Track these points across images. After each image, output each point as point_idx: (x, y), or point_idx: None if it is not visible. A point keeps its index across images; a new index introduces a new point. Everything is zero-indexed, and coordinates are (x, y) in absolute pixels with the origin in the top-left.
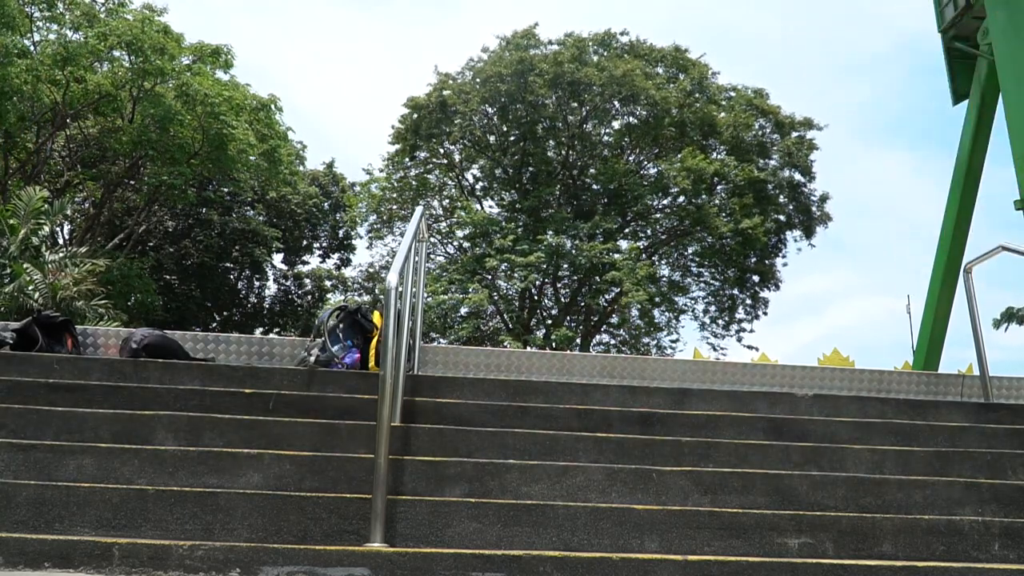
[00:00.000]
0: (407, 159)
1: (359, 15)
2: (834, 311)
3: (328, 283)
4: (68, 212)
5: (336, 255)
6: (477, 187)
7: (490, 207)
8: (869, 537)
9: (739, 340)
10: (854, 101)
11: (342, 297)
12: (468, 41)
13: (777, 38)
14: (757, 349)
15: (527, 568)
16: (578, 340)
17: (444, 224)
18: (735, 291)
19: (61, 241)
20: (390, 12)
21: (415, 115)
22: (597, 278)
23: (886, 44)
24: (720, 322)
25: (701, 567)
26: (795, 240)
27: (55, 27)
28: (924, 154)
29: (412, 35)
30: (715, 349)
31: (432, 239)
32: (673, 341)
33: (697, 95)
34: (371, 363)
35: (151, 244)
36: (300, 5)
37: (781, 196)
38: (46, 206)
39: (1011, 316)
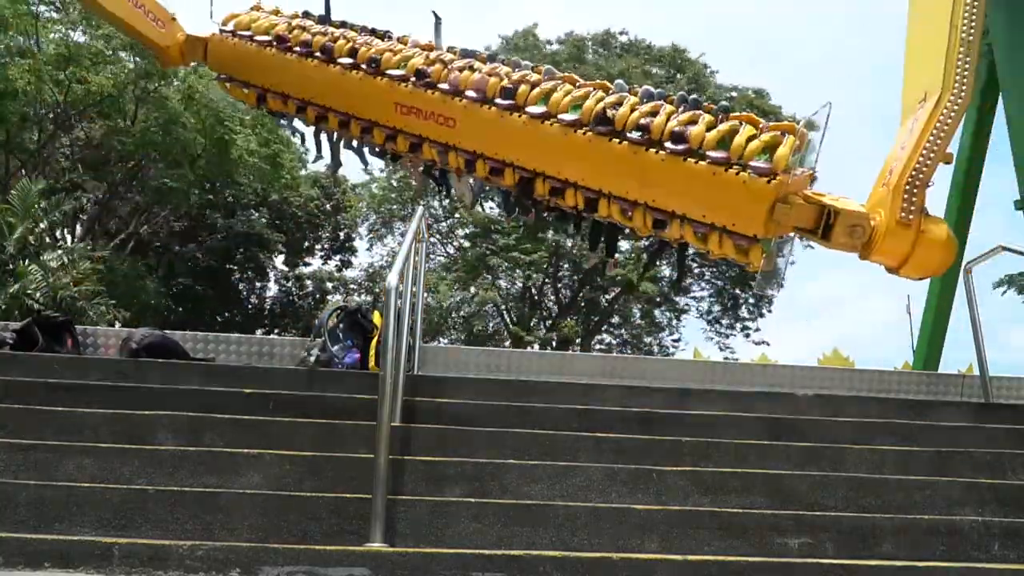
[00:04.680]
0: None
1: (366, 11)
2: (849, 312)
3: (329, 284)
4: (67, 209)
5: (337, 257)
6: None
7: (491, 207)
8: (869, 537)
9: (747, 336)
10: (879, 101)
11: (342, 298)
12: (471, 40)
13: (793, 39)
14: (769, 344)
15: (527, 568)
16: (579, 339)
17: (444, 224)
18: (737, 290)
19: (67, 243)
20: (397, 10)
21: None
22: (598, 278)
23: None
24: (724, 321)
25: (701, 567)
26: (801, 239)
27: (59, 28)
28: None
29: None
30: (722, 348)
31: (432, 239)
32: (675, 341)
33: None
34: (371, 363)
35: (157, 245)
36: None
37: None
38: (44, 202)
39: (1011, 281)
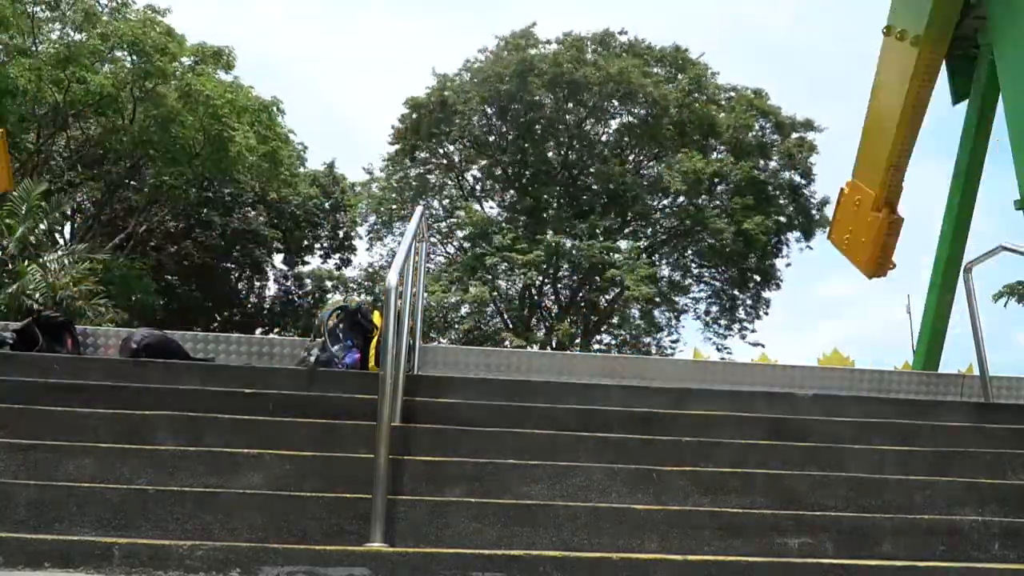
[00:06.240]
0: (407, 159)
1: (366, 11)
2: (849, 313)
3: (329, 283)
4: (67, 211)
5: (336, 255)
6: (477, 187)
7: (490, 207)
8: (869, 537)
9: (743, 338)
10: None
11: (342, 297)
12: (470, 38)
13: (817, 44)
14: (763, 346)
15: (527, 568)
16: (578, 339)
17: (444, 224)
18: (735, 291)
19: (62, 242)
20: (396, 9)
21: (415, 115)
22: (597, 278)
23: None
24: (722, 322)
25: (701, 567)
26: (796, 241)
27: (58, 27)
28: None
29: (414, 32)
30: (719, 349)
31: (432, 239)
32: (673, 341)
33: (696, 95)
34: (371, 363)
35: (152, 244)
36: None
37: (781, 197)
38: (44, 203)
39: (1011, 291)
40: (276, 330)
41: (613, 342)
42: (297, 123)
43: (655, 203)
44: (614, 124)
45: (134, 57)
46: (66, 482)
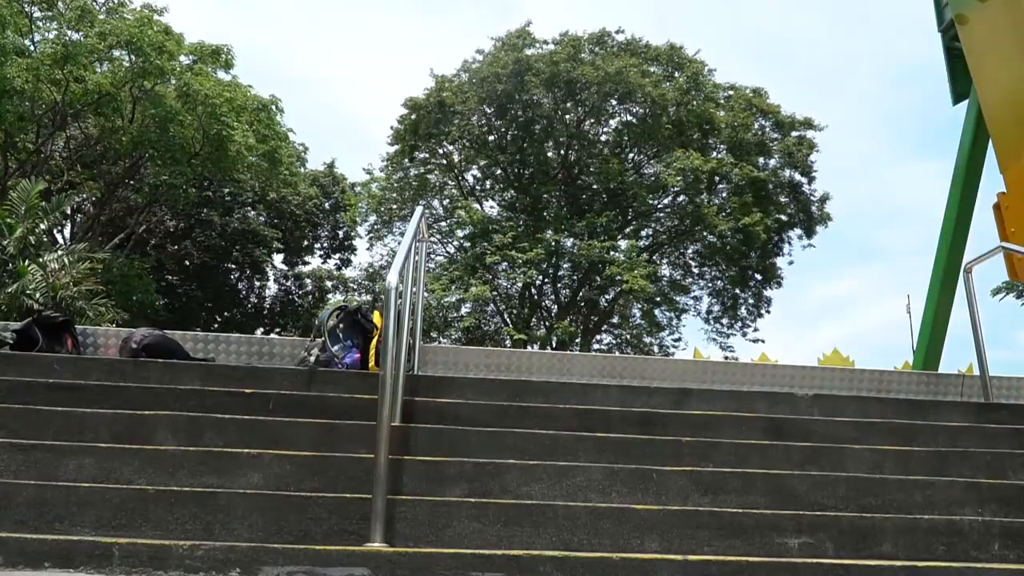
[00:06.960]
0: (407, 159)
1: (362, 13)
2: (850, 313)
3: (329, 283)
4: (67, 210)
5: (336, 255)
6: (477, 187)
7: (490, 207)
8: (869, 537)
9: (743, 335)
10: (904, 108)
11: (342, 297)
12: (474, 39)
13: (828, 45)
14: (764, 342)
15: (527, 568)
16: (578, 339)
17: (444, 224)
18: (737, 290)
19: (62, 241)
20: (391, 9)
21: (414, 115)
22: (597, 277)
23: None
24: (723, 321)
25: (701, 567)
26: (799, 238)
27: (55, 26)
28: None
29: (412, 32)
30: (722, 348)
31: (432, 239)
32: (676, 340)
33: (693, 92)
34: (371, 363)
35: (152, 244)
36: (303, 3)
37: (782, 196)
38: (44, 203)
39: (1010, 287)
40: (276, 330)
41: (614, 342)
42: (299, 123)
43: (655, 202)
44: (613, 123)
45: (132, 56)
46: (66, 482)
